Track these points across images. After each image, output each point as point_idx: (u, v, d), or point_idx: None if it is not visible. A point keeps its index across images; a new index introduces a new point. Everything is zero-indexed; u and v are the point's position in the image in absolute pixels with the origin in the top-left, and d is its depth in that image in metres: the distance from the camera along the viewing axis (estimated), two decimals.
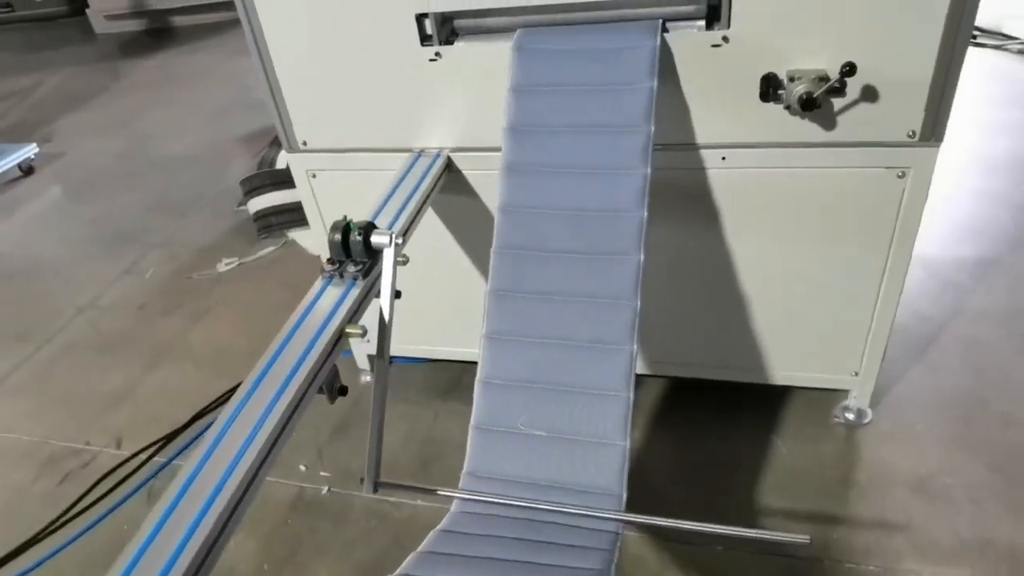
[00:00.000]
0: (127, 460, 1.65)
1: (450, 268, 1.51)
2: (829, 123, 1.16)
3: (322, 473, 1.56)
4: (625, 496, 0.95)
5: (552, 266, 1.09)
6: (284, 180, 2.46)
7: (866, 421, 1.49)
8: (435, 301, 1.56)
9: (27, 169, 3.17)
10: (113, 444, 1.71)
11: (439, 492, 1.06)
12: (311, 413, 0.92)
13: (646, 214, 1.08)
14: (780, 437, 1.49)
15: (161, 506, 0.75)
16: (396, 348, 1.68)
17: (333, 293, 1.01)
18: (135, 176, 3.02)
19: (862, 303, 1.35)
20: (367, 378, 1.77)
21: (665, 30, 1.15)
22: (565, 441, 1.00)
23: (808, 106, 1.09)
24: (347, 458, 1.59)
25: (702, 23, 1.15)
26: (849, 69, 1.05)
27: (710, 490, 1.41)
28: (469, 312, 1.57)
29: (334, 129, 1.38)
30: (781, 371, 1.49)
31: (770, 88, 1.14)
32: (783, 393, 1.57)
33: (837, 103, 1.14)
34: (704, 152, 1.24)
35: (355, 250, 1.01)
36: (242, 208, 2.57)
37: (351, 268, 1.02)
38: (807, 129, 1.17)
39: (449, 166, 1.35)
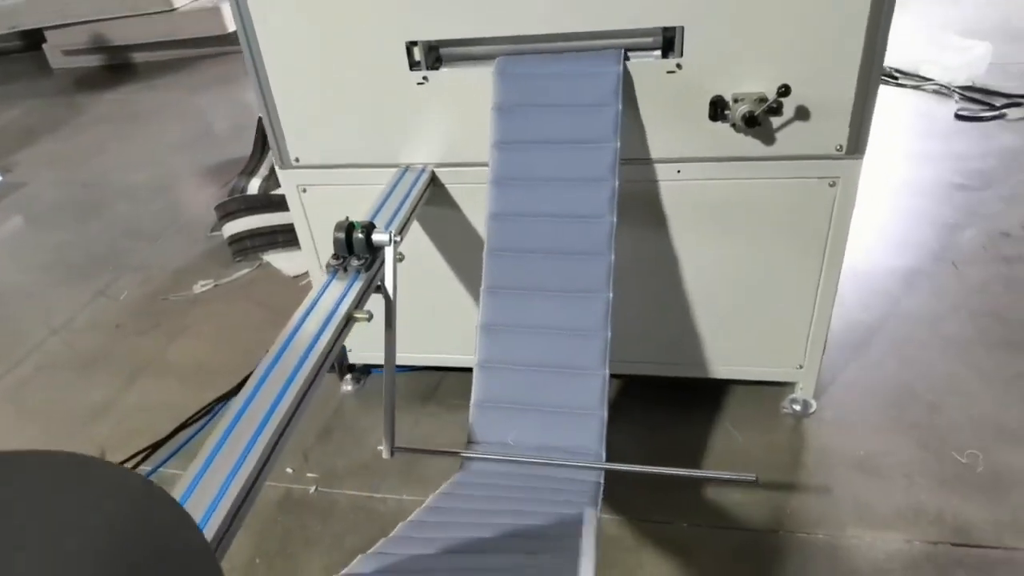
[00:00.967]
0: None
1: (432, 276, 1.63)
2: (769, 139, 1.33)
3: (309, 474, 1.63)
4: (604, 454, 1.08)
5: (536, 264, 1.23)
6: (258, 205, 2.55)
7: (811, 411, 1.65)
8: (416, 309, 1.66)
9: None
10: (96, 455, 1.74)
11: (449, 452, 1.20)
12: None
13: (615, 219, 1.23)
14: (736, 428, 1.63)
15: (196, 464, 0.84)
16: (374, 357, 1.78)
17: (338, 285, 1.12)
18: (101, 205, 3.05)
19: (802, 301, 1.51)
20: (347, 387, 1.84)
21: (627, 58, 1.31)
22: (555, 412, 1.14)
23: (750, 123, 1.26)
24: (332, 460, 1.66)
25: (659, 53, 1.31)
26: (784, 90, 1.23)
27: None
28: (449, 319, 1.69)
29: (325, 146, 1.49)
30: (734, 366, 1.64)
31: (718, 109, 1.31)
32: (737, 390, 1.73)
33: (775, 121, 1.31)
34: (660, 166, 1.40)
35: (358, 247, 1.13)
36: (216, 233, 2.64)
37: (355, 262, 1.13)
38: (750, 144, 1.34)
39: (433, 180, 1.48)
